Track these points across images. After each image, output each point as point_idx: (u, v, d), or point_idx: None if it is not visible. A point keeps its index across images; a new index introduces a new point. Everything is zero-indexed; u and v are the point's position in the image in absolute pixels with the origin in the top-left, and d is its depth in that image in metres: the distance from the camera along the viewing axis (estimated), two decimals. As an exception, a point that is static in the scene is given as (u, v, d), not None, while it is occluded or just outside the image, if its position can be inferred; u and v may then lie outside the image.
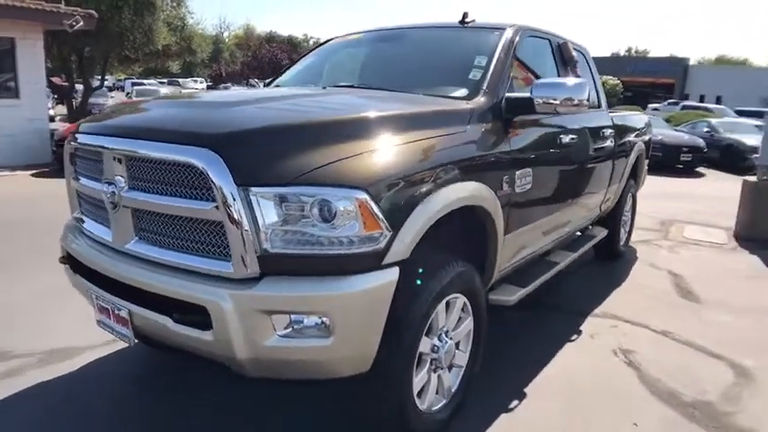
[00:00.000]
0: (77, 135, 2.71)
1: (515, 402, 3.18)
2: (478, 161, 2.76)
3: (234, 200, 2.01)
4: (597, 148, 4.45)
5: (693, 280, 5.56)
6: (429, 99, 3.07)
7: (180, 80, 42.11)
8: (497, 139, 2.98)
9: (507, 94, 3.15)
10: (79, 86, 19.14)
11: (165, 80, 42.09)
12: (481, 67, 3.26)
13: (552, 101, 3.03)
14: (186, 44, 21.79)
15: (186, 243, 2.22)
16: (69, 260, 2.78)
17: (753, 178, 7.49)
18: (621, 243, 6.18)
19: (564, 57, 4.15)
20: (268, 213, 2.03)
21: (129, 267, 2.33)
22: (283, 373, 2.21)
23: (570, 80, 3.12)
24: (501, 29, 3.60)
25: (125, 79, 40.62)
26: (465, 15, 3.75)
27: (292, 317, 2.08)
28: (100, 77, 19.84)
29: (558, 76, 4.02)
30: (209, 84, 42.31)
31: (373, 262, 2.13)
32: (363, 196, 2.06)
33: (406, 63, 3.59)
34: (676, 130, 16.62)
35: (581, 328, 4.30)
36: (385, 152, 2.28)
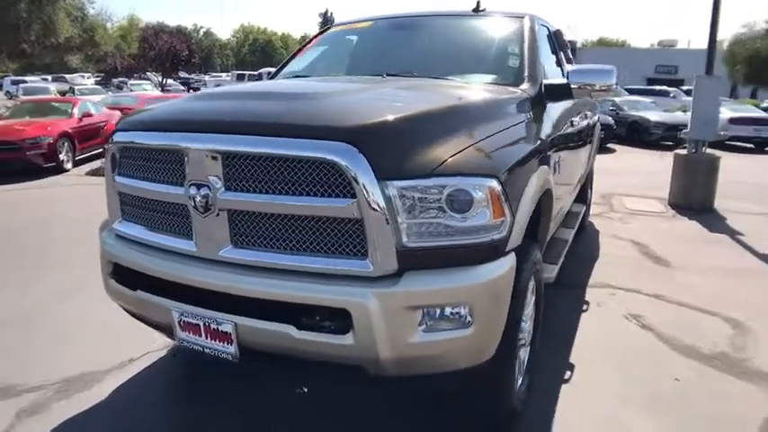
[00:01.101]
0: (128, 133, 2.44)
1: (569, 373, 3.34)
2: (541, 146, 2.83)
3: (376, 195, 1.92)
4: (587, 126, 4.71)
5: (656, 247, 6.04)
6: (487, 87, 3.09)
7: (67, 76, 38.52)
8: (545, 123, 3.07)
9: (544, 81, 3.24)
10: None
11: (49, 77, 38.26)
12: (516, 54, 3.34)
13: (588, 86, 3.18)
14: (89, 36, 19.96)
15: (307, 244, 2.07)
16: (124, 276, 2.51)
17: (683, 151, 8.22)
18: (587, 217, 6.58)
19: (559, 42, 4.33)
20: (407, 207, 1.97)
21: (233, 276, 2.14)
22: (422, 369, 2.15)
23: (601, 66, 3.28)
24: (519, 17, 3.69)
25: (2, 77, 36.39)
26: (479, 4, 3.79)
27: (435, 310, 2.04)
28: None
29: (557, 61, 4.18)
30: (99, 79, 38.80)
31: (500, 249, 2.14)
32: (495, 184, 2.06)
33: (438, 50, 3.56)
34: (584, 110, 17.77)
35: (586, 298, 4.55)
36: (495, 140, 2.29)
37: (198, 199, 2.15)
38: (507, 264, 2.16)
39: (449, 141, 2.14)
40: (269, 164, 2.05)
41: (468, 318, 2.07)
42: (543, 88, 3.20)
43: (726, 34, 36.19)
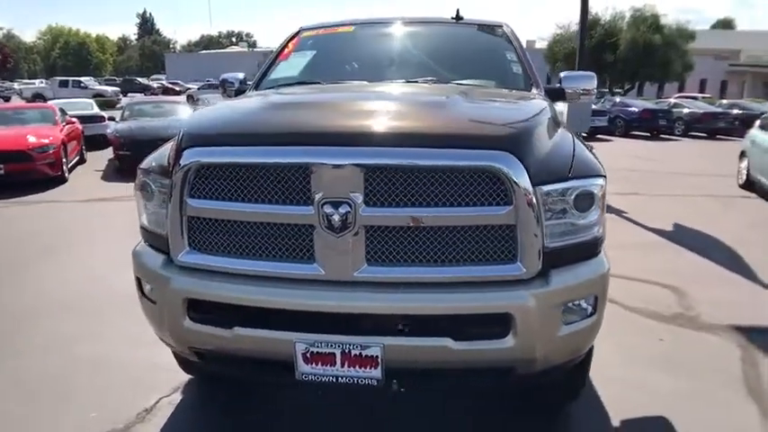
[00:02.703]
0: (209, 149, 2.15)
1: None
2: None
3: (531, 201, 1.98)
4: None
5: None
6: (521, 93, 3.23)
7: None
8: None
9: (544, 85, 3.51)
10: None
11: None
12: (515, 61, 3.55)
13: (578, 90, 3.52)
14: None
15: (453, 254, 2.04)
16: (210, 314, 2.22)
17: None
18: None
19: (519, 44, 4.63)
20: (549, 210, 2.07)
21: (381, 296, 2.03)
22: (560, 360, 2.25)
23: (584, 73, 3.65)
24: (499, 25, 3.92)
25: None
26: (458, 12, 3.94)
27: (573, 304, 2.17)
28: None
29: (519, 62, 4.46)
30: None
31: (601, 242, 2.32)
32: (604, 183, 2.24)
33: (442, 57, 3.59)
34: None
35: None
36: (579, 142, 2.45)
37: (335, 218, 1.99)
38: (605, 256, 2.36)
39: (561, 145, 2.30)
40: (416, 176, 1.99)
41: (591, 308, 2.25)
42: (544, 92, 3.47)
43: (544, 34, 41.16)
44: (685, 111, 21.98)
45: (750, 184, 9.69)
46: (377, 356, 2.05)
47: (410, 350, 2.06)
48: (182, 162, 2.15)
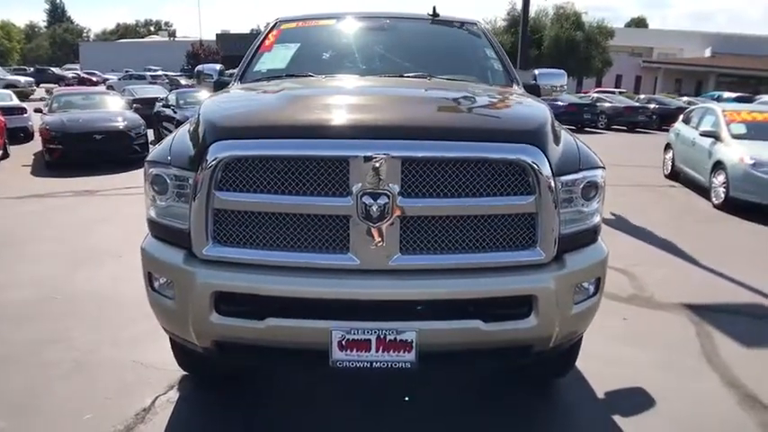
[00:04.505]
0: (241, 142, 2.15)
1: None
2: None
3: (553, 190, 2.14)
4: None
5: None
6: (509, 89, 3.39)
7: None
8: None
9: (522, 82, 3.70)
10: None
11: None
12: (495, 58, 3.72)
13: (551, 87, 3.75)
14: None
15: (479, 242, 2.17)
16: (239, 307, 2.22)
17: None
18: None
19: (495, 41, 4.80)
20: (565, 199, 2.24)
21: (415, 283, 2.13)
22: (568, 337, 2.44)
23: (556, 70, 3.88)
24: (474, 23, 4.07)
25: None
26: (435, 9, 4.05)
27: (582, 285, 2.36)
28: None
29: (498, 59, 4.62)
30: None
31: (599, 228, 2.51)
32: (605, 174, 2.44)
33: (429, 52, 3.68)
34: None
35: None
36: (570, 135, 2.61)
37: (374, 209, 2.06)
38: (603, 242, 2.56)
39: (567, 139, 2.47)
40: (449, 167, 2.10)
41: (594, 288, 2.45)
42: (523, 87, 3.66)
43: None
44: (607, 105, 23.33)
45: (675, 175, 10.51)
46: (411, 341, 2.14)
47: (443, 333, 2.18)
48: (212, 155, 2.13)
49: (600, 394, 3.18)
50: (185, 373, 3.22)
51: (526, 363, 2.72)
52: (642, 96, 28.59)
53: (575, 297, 2.34)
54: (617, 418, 2.94)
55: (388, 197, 2.07)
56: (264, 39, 3.90)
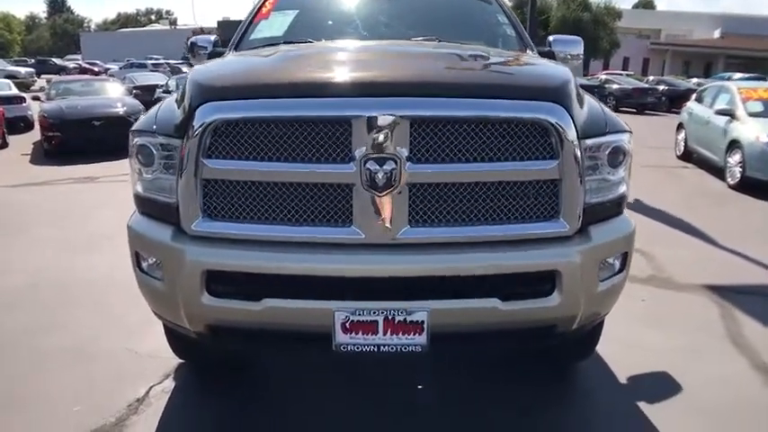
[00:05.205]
0: (232, 103, 1.93)
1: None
2: None
3: (578, 154, 1.93)
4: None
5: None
6: (524, 53, 3.16)
7: None
8: None
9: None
10: None
11: None
12: (508, 23, 3.48)
13: (567, 55, 3.51)
14: None
15: (497, 212, 1.96)
16: (233, 287, 2.03)
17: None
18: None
19: (507, 7, 4.54)
20: (590, 165, 2.03)
21: (428, 258, 1.92)
22: (593, 317, 2.25)
23: (572, 37, 3.64)
24: None
25: None
26: None
27: (608, 260, 2.15)
28: None
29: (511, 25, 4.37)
30: None
31: (626, 199, 2.29)
32: (631, 139, 2.22)
33: (437, 17, 3.42)
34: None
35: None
36: (591, 98, 2.40)
37: (380, 176, 1.84)
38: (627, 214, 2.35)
39: (590, 101, 2.25)
40: (463, 129, 1.89)
41: (620, 264, 2.24)
42: (537, 53, 3.42)
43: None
44: (615, 87, 22.90)
45: (687, 155, 10.23)
46: (422, 321, 1.94)
47: (458, 313, 1.98)
48: (199, 119, 1.92)
49: (622, 379, 2.99)
50: (181, 361, 3.05)
51: (547, 345, 2.52)
52: (651, 78, 28.09)
53: (600, 273, 2.13)
54: (641, 405, 2.75)
55: (396, 163, 1.85)
56: (261, 6, 3.67)
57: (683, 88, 22.85)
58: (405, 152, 1.86)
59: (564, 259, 1.98)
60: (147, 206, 2.25)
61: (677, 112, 11.92)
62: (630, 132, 2.24)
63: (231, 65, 2.52)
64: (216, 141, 1.95)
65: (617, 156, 2.12)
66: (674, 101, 20.72)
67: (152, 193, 2.19)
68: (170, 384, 2.94)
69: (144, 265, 2.25)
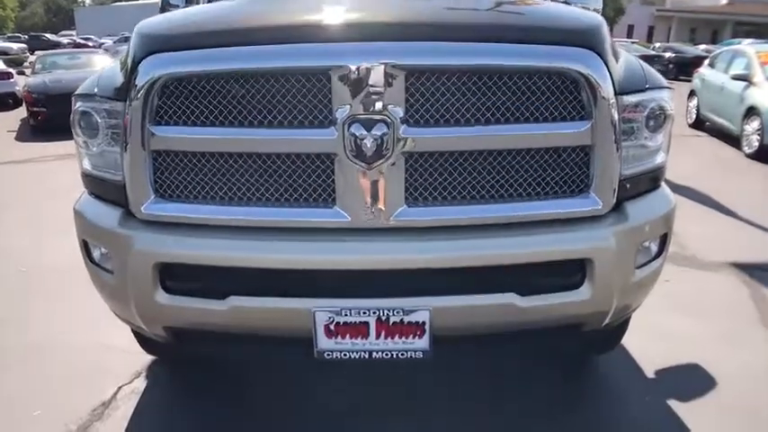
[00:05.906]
0: (184, 54, 1.55)
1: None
2: None
3: (614, 115, 1.55)
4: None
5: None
6: None
7: None
8: None
9: None
10: None
11: None
12: None
13: (586, 7, 3.09)
14: None
15: (514, 186, 1.61)
16: (195, 283, 1.68)
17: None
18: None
19: None
20: (627, 128, 1.66)
21: (423, 246, 1.57)
22: (625, 312, 1.91)
23: None
24: None
25: None
26: None
27: (646, 244, 1.78)
28: None
29: None
30: None
31: (664, 171, 1.94)
32: (672, 97, 1.84)
33: None
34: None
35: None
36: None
37: (368, 142, 1.47)
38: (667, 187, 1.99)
39: (624, 53, 1.87)
40: (472, 82, 1.51)
41: (658, 248, 1.88)
42: None
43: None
44: (621, 55, 22.24)
45: (699, 123, 9.78)
46: (423, 322, 1.59)
47: (466, 312, 1.62)
48: (144, 74, 1.55)
49: (649, 373, 2.66)
50: (154, 357, 2.73)
51: (570, 345, 2.17)
52: (658, 45, 27.28)
53: (636, 260, 1.77)
54: (673, 404, 2.42)
55: (388, 126, 1.48)
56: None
57: (691, 55, 22.16)
58: (399, 112, 1.48)
59: (597, 244, 1.62)
60: (94, 186, 1.91)
61: (685, 80, 11.41)
62: (672, 89, 1.86)
63: (185, 13, 2.13)
64: (165, 103, 1.58)
65: (658, 117, 1.75)
66: (682, 68, 20.06)
67: (99, 170, 1.84)
68: (141, 384, 2.62)
69: (95, 254, 1.90)
